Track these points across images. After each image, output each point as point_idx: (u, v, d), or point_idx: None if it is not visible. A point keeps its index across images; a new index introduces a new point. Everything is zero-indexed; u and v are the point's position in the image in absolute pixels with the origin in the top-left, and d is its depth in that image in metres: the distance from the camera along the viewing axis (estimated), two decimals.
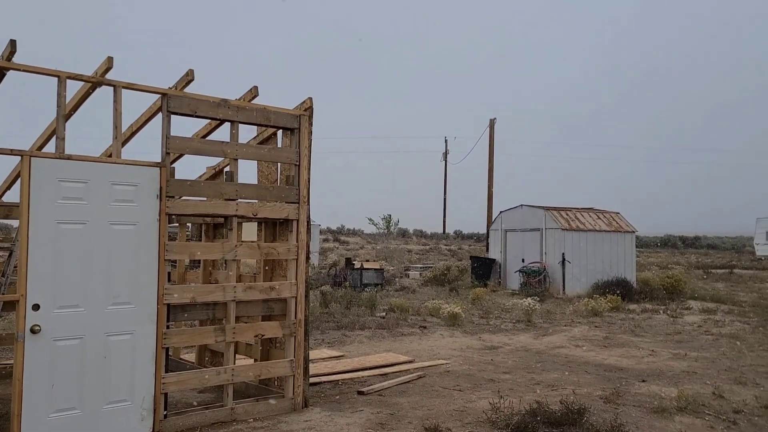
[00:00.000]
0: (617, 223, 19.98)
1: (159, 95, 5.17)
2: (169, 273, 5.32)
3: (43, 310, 4.42)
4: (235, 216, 5.46)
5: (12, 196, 7.14)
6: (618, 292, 15.88)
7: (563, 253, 18.37)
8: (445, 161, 50.35)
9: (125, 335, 4.80)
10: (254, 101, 5.74)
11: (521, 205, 20.29)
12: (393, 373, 7.54)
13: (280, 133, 6.14)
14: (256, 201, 5.65)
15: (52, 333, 4.46)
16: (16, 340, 4.35)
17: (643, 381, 7.26)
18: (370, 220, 33.51)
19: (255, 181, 6.29)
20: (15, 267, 5.07)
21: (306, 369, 5.87)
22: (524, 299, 13.69)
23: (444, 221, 51.25)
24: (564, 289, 18.10)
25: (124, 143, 5.69)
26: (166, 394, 5.04)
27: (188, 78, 5.30)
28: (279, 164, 6.15)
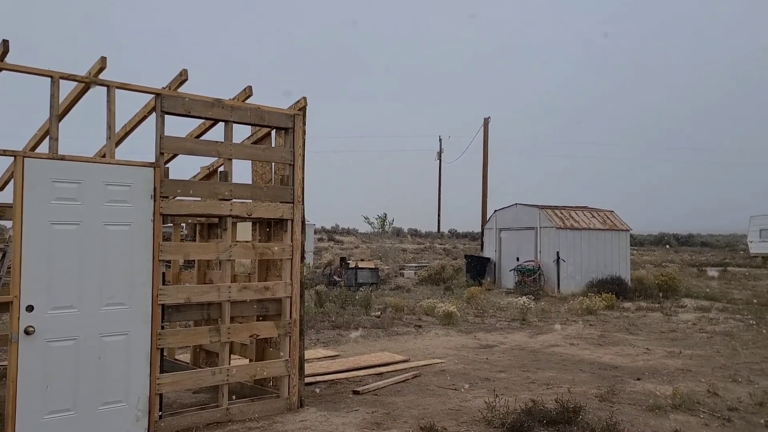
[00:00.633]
0: (611, 221, 20.06)
1: (153, 95, 5.15)
2: (163, 273, 5.31)
3: (37, 311, 4.40)
4: (230, 216, 5.44)
5: (5, 197, 7.10)
6: (613, 290, 15.95)
7: (558, 252, 18.42)
8: (440, 160, 50.38)
9: (120, 336, 4.78)
10: (248, 101, 5.73)
11: (516, 204, 20.34)
12: (388, 372, 7.54)
13: (273, 132, 6.14)
14: (251, 201, 5.64)
15: (46, 334, 4.43)
16: (10, 342, 4.32)
17: (638, 379, 7.29)
18: (366, 218, 33.52)
19: (249, 181, 6.28)
20: (8, 268, 5.05)
21: (301, 369, 5.87)
22: (519, 298, 13.72)
23: (438, 220, 51.31)
24: (559, 288, 18.16)
25: (117, 143, 5.67)
26: (161, 395, 5.02)
27: (182, 78, 5.28)
28: (273, 164, 6.14)
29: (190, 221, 6.96)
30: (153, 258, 4.96)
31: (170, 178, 5.24)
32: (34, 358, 4.39)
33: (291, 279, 5.79)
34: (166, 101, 5.10)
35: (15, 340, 4.32)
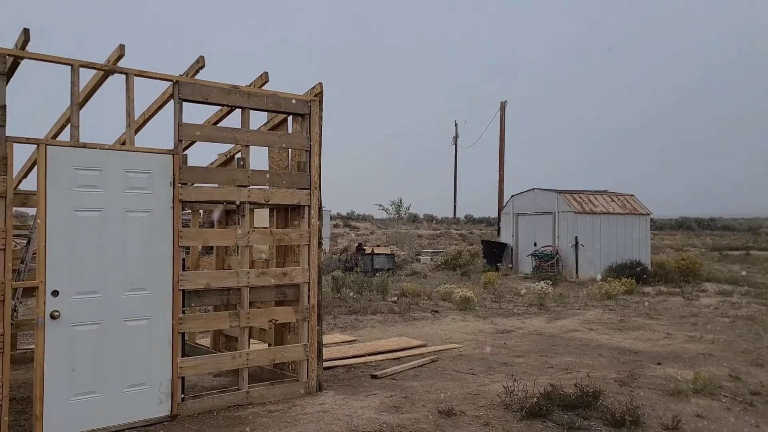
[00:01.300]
0: (631, 205, 19.81)
1: (170, 82, 5.18)
2: (183, 259, 5.37)
3: (62, 296, 4.49)
4: (248, 202, 5.48)
5: (28, 184, 7.23)
6: (632, 275, 15.79)
7: (576, 237, 18.27)
8: (456, 145, 50.12)
9: (142, 321, 4.87)
10: (264, 88, 5.73)
11: (533, 189, 20.17)
12: (406, 357, 7.58)
13: (290, 119, 6.14)
14: (268, 187, 5.67)
15: (71, 318, 4.53)
16: (37, 326, 4.43)
17: (659, 364, 7.24)
18: (380, 205, 33.51)
19: (266, 168, 6.30)
20: (34, 254, 5.15)
21: (319, 353, 5.92)
22: (537, 283, 13.66)
23: (455, 205, 51.19)
24: (577, 273, 18.03)
25: (136, 131, 5.73)
26: (183, 378, 5.11)
27: (199, 65, 5.30)
28: (290, 150, 6.15)
29: (208, 207, 7.02)
30: (173, 244, 5.02)
31: (188, 165, 5.28)
32: (60, 342, 4.49)
33: (308, 265, 5.83)
34: (183, 88, 5.12)
35: (41, 324, 4.42)
